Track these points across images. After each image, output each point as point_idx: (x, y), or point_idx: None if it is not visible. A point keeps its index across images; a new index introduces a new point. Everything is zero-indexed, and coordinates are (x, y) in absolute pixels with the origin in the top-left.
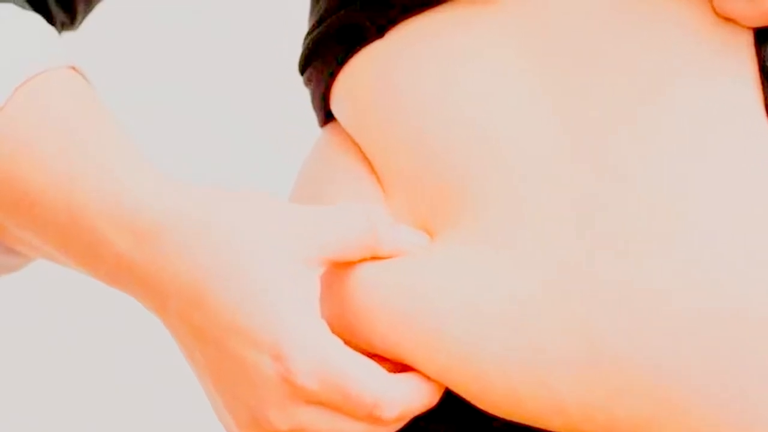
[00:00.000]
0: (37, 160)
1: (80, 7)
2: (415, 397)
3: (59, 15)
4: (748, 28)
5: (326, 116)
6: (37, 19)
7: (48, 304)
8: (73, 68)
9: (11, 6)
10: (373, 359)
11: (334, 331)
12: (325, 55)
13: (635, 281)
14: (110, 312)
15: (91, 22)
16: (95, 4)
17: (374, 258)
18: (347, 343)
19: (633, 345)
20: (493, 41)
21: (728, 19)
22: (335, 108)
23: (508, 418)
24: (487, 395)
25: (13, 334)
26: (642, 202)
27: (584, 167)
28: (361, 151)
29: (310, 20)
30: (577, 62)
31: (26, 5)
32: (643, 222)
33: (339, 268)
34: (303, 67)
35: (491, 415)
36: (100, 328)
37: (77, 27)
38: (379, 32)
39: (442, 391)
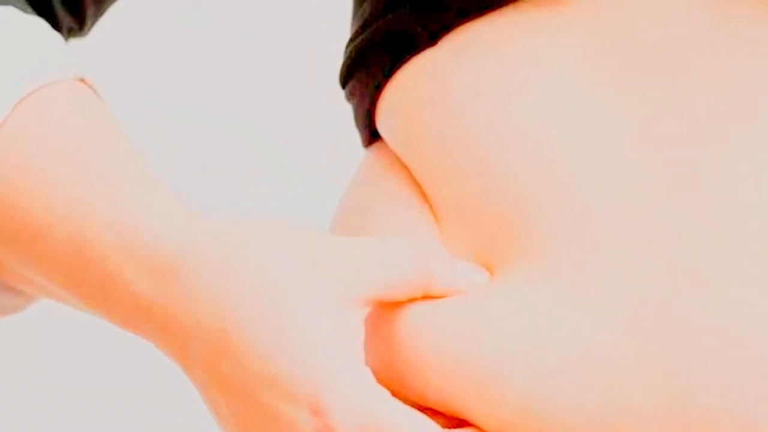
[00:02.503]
0: (41, 186)
1: (90, 10)
2: None
3: (66, 19)
4: None
5: (371, 135)
6: (40, 24)
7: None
8: (82, 80)
9: (10, 9)
10: (425, 413)
11: (380, 381)
12: (370, 65)
13: (732, 329)
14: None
15: (102, 28)
16: (107, 7)
17: (426, 297)
18: (395, 394)
19: (729, 403)
20: (562, 49)
21: None
22: (381, 126)
23: None
24: None
25: (13, 333)
26: (740, 238)
27: (670, 195)
28: (411, 176)
29: (352, 26)
30: (660, 74)
31: (28, 8)
32: (742, 261)
33: (386, 310)
34: (344, 80)
35: None
36: (100, 327)
37: (86, 33)
38: (432, 39)
39: None
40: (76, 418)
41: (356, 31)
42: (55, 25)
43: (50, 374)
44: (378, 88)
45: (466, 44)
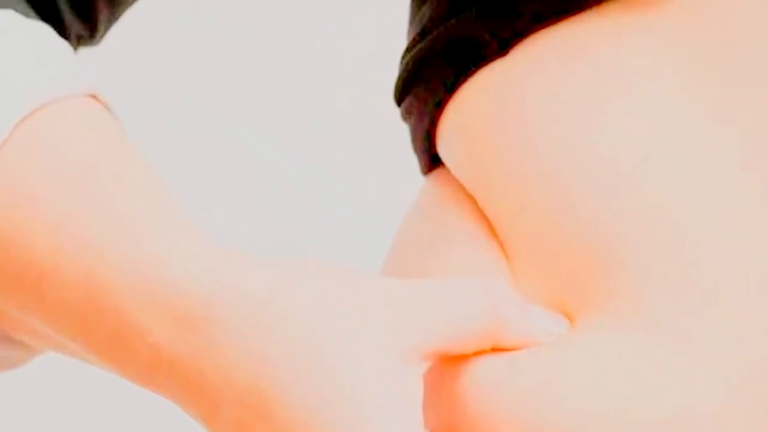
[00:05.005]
0: (45, 220)
1: (102, 15)
2: None
3: (74, 25)
4: None
5: (431, 160)
6: (44, 31)
7: None
8: (93, 96)
9: (11, 13)
10: None
11: None
12: (430, 79)
13: None
14: None
15: (116, 35)
16: (122, 11)
17: (496, 349)
18: None
19: None
20: (655, 60)
21: None
22: (443, 149)
23: None
24: None
25: None
26: None
27: None
28: (478, 208)
29: (409, 33)
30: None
31: (31, 12)
32: None
33: (448, 364)
34: (400, 96)
35: None
36: None
37: (98, 41)
38: (502, 48)
39: None
40: (75, 417)
41: (414, 39)
42: (62, 31)
43: (50, 374)
44: (439, 106)
45: (542, 54)
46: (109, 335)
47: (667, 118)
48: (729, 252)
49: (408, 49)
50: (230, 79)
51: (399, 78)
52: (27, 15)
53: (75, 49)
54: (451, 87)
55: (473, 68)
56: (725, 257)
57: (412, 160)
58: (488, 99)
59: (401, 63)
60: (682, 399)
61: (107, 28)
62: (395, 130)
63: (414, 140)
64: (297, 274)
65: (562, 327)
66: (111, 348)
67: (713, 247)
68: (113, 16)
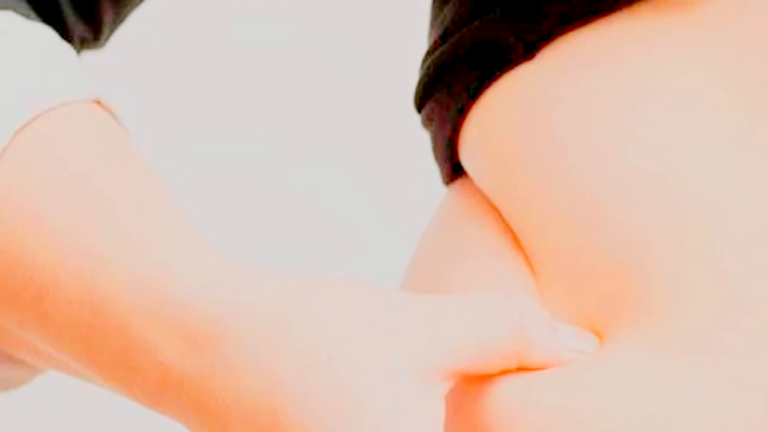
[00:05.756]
0: (47, 233)
1: (107, 17)
2: None
3: (78, 27)
4: None
5: (453, 170)
6: (46, 33)
7: None
8: (98, 102)
9: (10, 15)
10: None
11: None
12: (453, 84)
13: None
14: None
15: (122, 38)
16: (128, 13)
17: (521, 369)
18: None
19: None
20: (691, 65)
21: None
22: (465, 158)
23: None
24: None
25: None
26: None
27: None
28: (503, 220)
29: (430, 35)
30: None
31: (31, 13)
32: None
33: (471, 384)
34: (420, 102)
35: None
36: None
37: (103, 44)
38: (528, 52)
39: None
40: (75, 418)
41: (435, 42)
42: (65, 34)
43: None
44: (462, 112)
45: (571, 58)
46: (114, 354)
47: (702, 124)
48: (765, 270)
49: (429, 53)
50: (245, 87)
51: (419, 83)
52: (27, 16)
53: (78, 52)
54: (474, 93)
55: (497, 73)
56: (763, 273)
57: (433, 170)
58: (513, 105)
59: (422, 67)
60: (718, 421)
61: (112, 31)
62: (415, 137)
63: (435, 148)
64: (313, 289)
65: (590, 345)
66: (116, 367)
67: (750, 262)
68: (119, 18)
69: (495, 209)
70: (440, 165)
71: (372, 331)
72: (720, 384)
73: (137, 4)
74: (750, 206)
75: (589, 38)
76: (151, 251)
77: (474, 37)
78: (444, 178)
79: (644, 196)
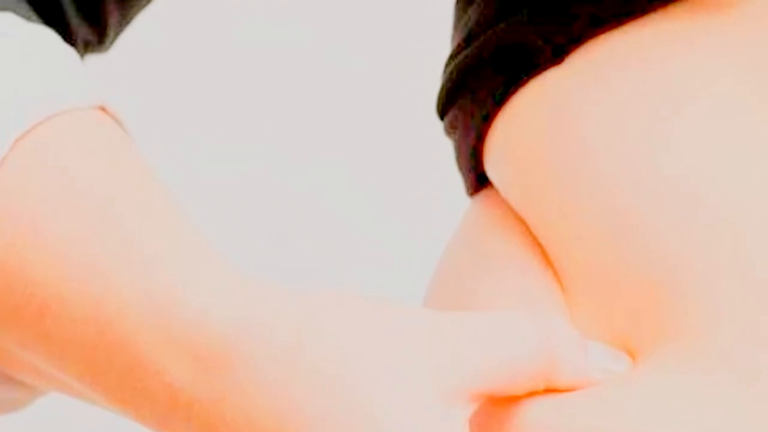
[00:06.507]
0: (49, 247)
1: (112, 18)
2: None
3: (81, 29)
4: None
5: (478, 180)
6: (47, 36)
7: None
8: (102, 109)
9: (10, 16)
10: None
11: None
12: (477, 90)
13: None
14: None
15: (127, 41)
16: (135, 14)
17: (549, 390)
18: None
19: None
20: (729, 69)
21: None
22: (490, 168)
23: None
24: None
25: None
26: None
27: None
28: (530, 233)
29: (453, 38)
30: None
31: (32, 15)
32: None
33: (497, 406)
34: (443, 108)
35: None
36: None
37: (108, 47)
38: (557, 55)
39: None
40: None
41: (459, 45)
42: (68, 36)
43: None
44: (487, 119)
45: (602, 62)
46: (120, 375)
47: (740, 131)
48: None
49: (452, 57)
50: (258, 94)
51: (442, 89)
52: (28, 18)
53: (82, 56)
54: (500, 99)
55: (525, 78)
56: None
57: (456, 180)
58: (541, 111)
59: (444, 72)
60: None
61: (118, 33)
62: (438, 146)
63: (458, 158)
64: (328, 306)
65: (622, 365)
66: (122, 389)
67: None
68: (124, 20)
69: (521, 222)
70: (464, 175)
71: (391, 350)
72: (760, 407)
73: (144, 5)
74: None
75: (621, 41)
76: (158, 267)
77: (500, 39)
78: (468, 189)
79: (678, 207)
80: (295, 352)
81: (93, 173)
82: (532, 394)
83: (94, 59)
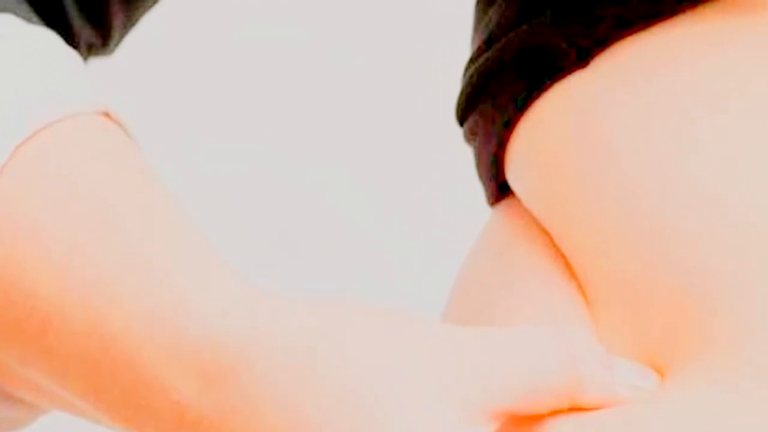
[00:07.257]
0: (50, 257)
1: (117, 20)
2: None
3: (85, 32)
4: None
5: (499, 189)
6: (49, 38)
7: None
8: (106, 114)
9: (10, 18)
10: None
11: None
12: (498, 94)
13: None
14: None
15: (132, 43)
16: (140, 16)
17: (574, 409)
18: None
19: None
20: (756, 70)
21: None
22: (512, 176)
23: None
24: None
25: None
26: None
27: None
28: (553, 244)
29: (473, 40)
30: None
31: (33, 16)
32: None
33: (520, 425)
34: (463, 114)
35: None
36: None
37: (112, 51)
38: (582, 59)
39: None
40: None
41: (479, 48)
42: (71, 39)
43: None
44: (508, 126)
45: (628, 65)
46: (124, 392)
47: None
48: None
49: (472, 60)
50: (260, 96)
51: (462, 93)
52: (29, 20)
53: (85, 59)
54: (522, 104)
55: (548, 82)
56: None
57: (477, 188)
58: (565, 117)
59: (464, 76)
60: None
61: (122, 35)
62: (457, 153)
63: (479, 165)
64: (344, 319)
65: (651, 382)
66: (126, 407)
67: None
68: (129, 22)
69: (544, 232)
70: (485, 184)
71: (409, 365)
72: None
73: (150, 7)
74: None
75: (648, 43)
76: (164, 279)
77: (522, 42)
78: (489, 198)
79: (708, 215)
80: (309, 366)
81: (96, 181)
82: (556, 412)
83: (99, 62)
